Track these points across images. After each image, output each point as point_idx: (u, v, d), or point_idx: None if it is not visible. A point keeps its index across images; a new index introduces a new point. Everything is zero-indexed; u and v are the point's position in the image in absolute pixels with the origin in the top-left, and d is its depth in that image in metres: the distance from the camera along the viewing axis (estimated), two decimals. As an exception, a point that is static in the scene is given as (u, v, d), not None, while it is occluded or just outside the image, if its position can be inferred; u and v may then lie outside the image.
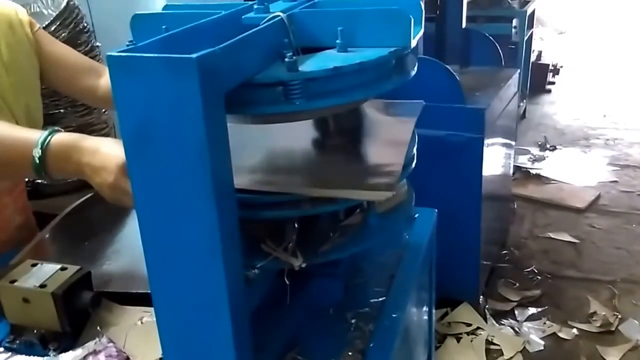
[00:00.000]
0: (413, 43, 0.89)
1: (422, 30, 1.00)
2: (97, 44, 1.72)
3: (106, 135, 1.75)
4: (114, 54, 0.66)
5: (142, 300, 1.05)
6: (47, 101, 1.58)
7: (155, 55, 0.64)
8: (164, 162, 0.67)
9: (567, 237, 3.15)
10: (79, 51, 1.61)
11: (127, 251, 1.26)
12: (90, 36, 1.69)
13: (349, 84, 0.82)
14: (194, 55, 0.63)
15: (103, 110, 1.73)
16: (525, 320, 2.52)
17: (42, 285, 0.99)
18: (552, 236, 3.16)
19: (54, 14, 1.62)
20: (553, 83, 5.62)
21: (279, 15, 0.88)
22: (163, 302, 0.74)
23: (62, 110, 1.61)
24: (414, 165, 1.01)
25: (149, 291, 0.74)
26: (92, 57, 1.69)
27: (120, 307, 1.06)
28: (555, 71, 5.56)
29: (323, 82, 0.80)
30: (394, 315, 1.03)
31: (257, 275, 0.82)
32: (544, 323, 2.51)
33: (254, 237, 0.93)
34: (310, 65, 0.80)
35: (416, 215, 1.36)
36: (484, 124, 2.18)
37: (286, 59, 0.78)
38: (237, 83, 0.74)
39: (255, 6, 0.93)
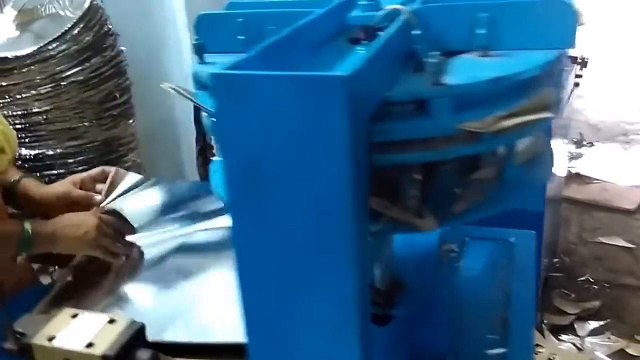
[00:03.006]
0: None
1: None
2: (122, 48, 1.52)
3: (133, 149, 1.55)
4: (222, 72, 0.46)
5: (212, 352, 0.89)
6: (69, 114, 1.39)
7: (289, 73, 0.44)
8: (284, 208, 0.48)
9: (620, 242, 2.93)
10: (104, 57, 1.42)
11: (163, 291, 1.09)
12: (116, 39, 1.49)
13: (509, 98, 0.62)
14: (344, 74, 0.43)
15: (130, 121, 1.53)
16: (588, 336, 2.32)
17: (89, 345, 0.79)
18: (604, 241, 2.95)
19: (73, 16, 1.42)
20: (580, 76, 5.40)
21: (394, 12, 0.67)
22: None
23: (86, 124, 1.41)
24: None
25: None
26: (117, 63, 1.49)
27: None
28: (583, 64, 5.32)
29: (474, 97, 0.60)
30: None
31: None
32: (608, 338, 2.30)
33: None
34: (457, 76, 0.60)
35: (512, 239, 1.17)
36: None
37: (427, 69, 0.58)
38: (377, 105, 0.54)
39: (360, 2, 0.73)
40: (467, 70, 0.61)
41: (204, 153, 2.36)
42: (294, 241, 0.48)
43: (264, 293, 0.52)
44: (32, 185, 1.20)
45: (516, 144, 0.70)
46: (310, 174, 0.45)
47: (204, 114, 0.77)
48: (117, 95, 1.44)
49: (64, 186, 1.21)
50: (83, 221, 1.11)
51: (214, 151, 2.42)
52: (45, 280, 1.29)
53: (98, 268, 1.16)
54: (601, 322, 2.37)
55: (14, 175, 1.21)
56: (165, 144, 2.06)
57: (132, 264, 1.17)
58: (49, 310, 1.03)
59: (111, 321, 0.84)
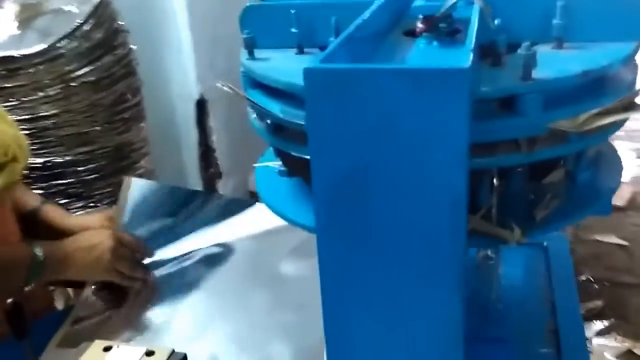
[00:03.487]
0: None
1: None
2: (132, 46, 1.46)
3: (145, 154, 1.49)
4: (321, 66, 0.42)
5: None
6: (80, 117, 1.32)
7: (404, 67, 0.40)
8: (390, 224, 0.43)
9: (615, 240, 2.93)
10: (116, 55, 1.36)
11: (189, 314, 1.04)
12: (127, 37, 1.42)
13: (596, 94, 0.58)
14: (464, 66, 0.38)
15: (142, 125, 1.47)
16: (595, 336, 2.30)
17: None
18: (600, 239, 2.94)
19: (79, 11, 1.35)
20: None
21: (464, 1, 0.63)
22: None
23: (98, 128, 1.34)
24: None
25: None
26: (128, 62, 1.43)
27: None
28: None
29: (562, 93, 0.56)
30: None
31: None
32: (615, 339, 2.29)
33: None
34: (543, 70, 0.56)
35: (545, 243, 1.13)
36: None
37: (511, 62, 0.54)
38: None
39: (419, -9, 0.69)
40: (550, 63, 0.57)
41: (206, 157, 2.29)
42: (399, 260, 0.44)
43: (357, 322, 0.47)
44: (56, 214, 1.12)
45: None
46: (423, 181, 0.41)
47: (253, 115, 0.72)
48: (129, 96, 1.38)
49: (93, 220, 1.14)
50: (97, 243, 1.03)
51: (216, 154, 2.35)
52: (59, 301, 1.23)
53: (115, 293, 1.10)
54: (606, 323, 2.36)
55: (31, 199, 1.13)
56: (167, 147, 1.99)
57: (151, 287, 1.11)
58: (68, 342, 0.98)
59: (149, 353, 0.78)
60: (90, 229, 1.10)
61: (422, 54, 0.60)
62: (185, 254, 1.17)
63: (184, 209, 1.23)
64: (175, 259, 1.16)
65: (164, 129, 1.94)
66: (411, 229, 0.42)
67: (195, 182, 2.11)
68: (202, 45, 1.91)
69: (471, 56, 0.40)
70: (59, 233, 1.09)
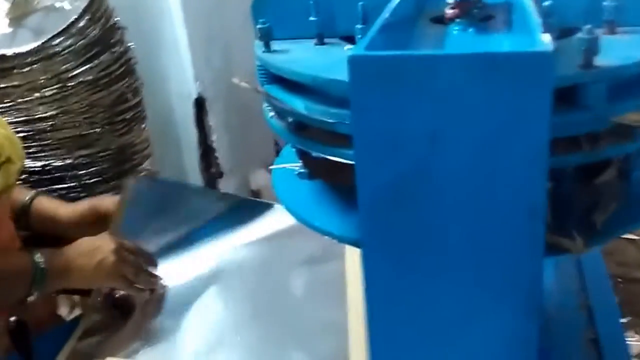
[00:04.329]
0: None
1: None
2: (130, 43, 1.39)
3: (147, 156, 1.42)
4: (364, 53, 0.35)
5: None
6: (79, 119, 1.26)
7: (476, 52, 0.33)
8: (454, 229, 0.37)
9: (626, 235, 2.88)
10: (113, 53, 1.29)
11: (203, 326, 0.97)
12: (123, 33, 1.35)
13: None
14: (546, 49, 0.32)
15: (143, 125, 1.40)
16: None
17: None
18: (610, 234, 2.89)
19: (72, 8, 1.29)
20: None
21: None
22: None
23: (97, 130, 1.28)
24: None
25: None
26: (127, 60, 1.36)
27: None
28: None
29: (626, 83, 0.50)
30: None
31: None
32: (632, 337, 2.23)
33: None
34: (604, 56, 0.49)
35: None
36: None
37: (569, 47, 0.48)
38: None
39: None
40: (607, 50, 0.51)
41: (206, 156, 2.22)
42: (462, 277, 0.38)
43: (408, 346, 0.41)
44: (50, 204, 1.07)
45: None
46: (495, 185, 0.35)
47: (271, 113, 0.66)
48: (130, 96, 1.31)
49: (90, 204, 1.09)
50: (98, 247, 0.97)
51: (217, 154, 2.29)
52: (63, 308, 1.17)
53: (121, 307, 1.04)
54: (623, 320, 2.29)
55: (23, 192, 1.07)
56: (166, 148, 1.93)
57: (160, 297, 1.04)
58: (76, 358, 0.92)
59: None
60: (91, 209, 1.06)
61: (465, 40, 0.53)
62: (196, 261, 1.11)
63: (192, 209, 1.17)
64: (184, 266, 1.10)
65: (163, 129, 1.89)
66: (479, 242, 0.36)
67: (196, 183, 2.06)
68: (198, 42, 1.86)
69: (548, 38, 0.34)
70: (56, 223, 1.05)
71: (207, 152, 2.09)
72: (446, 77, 0.33)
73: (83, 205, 1.09)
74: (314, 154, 0.63)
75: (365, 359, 0.84)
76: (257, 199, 1.50)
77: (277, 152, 2.29)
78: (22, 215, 1.06)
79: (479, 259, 0.36)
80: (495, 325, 0.37)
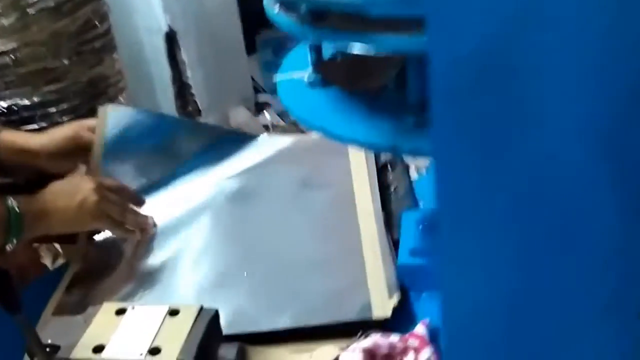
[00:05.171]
0: None
1: None
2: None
3: (122, 89, 1.32)
4: None
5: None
6: (42, 50, 1.14)
7: None
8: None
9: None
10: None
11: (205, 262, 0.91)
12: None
13: None
14: None
15: (114, 55, 1.29)
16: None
17: (154, 350, 0.60)
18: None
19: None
20: None
21: None
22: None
23: (65, 62, 1.16)
24: None
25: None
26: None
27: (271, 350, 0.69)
28: None
29: None
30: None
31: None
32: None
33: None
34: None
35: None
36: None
37: None
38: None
39: None
40: None
41: (182, 94, 2.10)
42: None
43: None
44: (19, 135, 0.98)
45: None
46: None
47: (276, 8, 0.57)
48: (97, 23, 1.19)
49: (68, 129, 0.99)
50: (77, 186, 0.90)
51: (193, 90, 2.18)
52: (47, 258, 1.09)
53: (110, 250, 0.97)
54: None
55: None
56: (139, 86, 1.82)
57: (151, 236, 0.97)
58: (65, 308, 0.84)
59: (173, 312, 0.65)
60: (72, 139, 0.98)
61: None
62: (183, 196, 1.03)
63: (175, 142, 1.08)
64: (172, 202, 1.03)
65: (134, 67, 1.77)
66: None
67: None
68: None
69: None
70: (30, 155, 0.97)
71: (182, 90, 1.99)
72: None
73: (60, 134, 1.00)
74: (330, 56, 0.55)
75: (382, 280, 0.81)
76: (241, 131, 1.42)
77: (255, 89, 2.16)
78: None
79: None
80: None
